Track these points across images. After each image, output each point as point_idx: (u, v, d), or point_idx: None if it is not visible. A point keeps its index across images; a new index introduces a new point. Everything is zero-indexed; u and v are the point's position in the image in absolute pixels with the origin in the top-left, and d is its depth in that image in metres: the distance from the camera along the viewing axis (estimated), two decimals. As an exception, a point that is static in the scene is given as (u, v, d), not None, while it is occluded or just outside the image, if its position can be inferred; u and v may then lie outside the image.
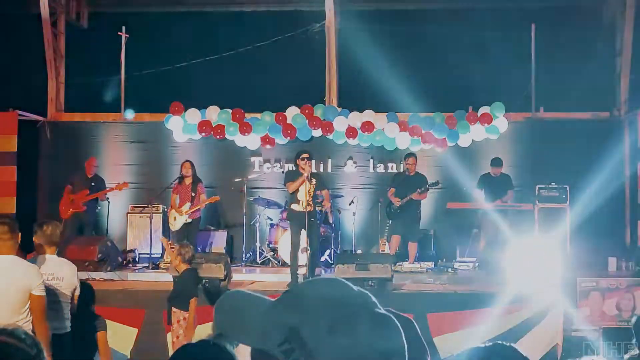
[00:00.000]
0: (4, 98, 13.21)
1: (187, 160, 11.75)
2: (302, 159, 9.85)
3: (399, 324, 1.33)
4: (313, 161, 11.73)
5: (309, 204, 9.71)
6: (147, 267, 11.49)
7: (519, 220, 12.35)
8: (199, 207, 11.51)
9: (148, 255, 11.77)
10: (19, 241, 5.19)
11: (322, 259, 11.69)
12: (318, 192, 10.00)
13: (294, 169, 10.14)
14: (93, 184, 11.98)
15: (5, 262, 5.00)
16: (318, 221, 10.59)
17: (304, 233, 9.78)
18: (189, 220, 11.44)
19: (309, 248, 9.82)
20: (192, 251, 7.73)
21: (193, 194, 11.49)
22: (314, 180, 9.87)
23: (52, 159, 13.70)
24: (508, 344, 1.62)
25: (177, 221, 11.45)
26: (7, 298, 4.89)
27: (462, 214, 12.57)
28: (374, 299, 1.32)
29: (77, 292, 5.73)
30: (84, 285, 6.44)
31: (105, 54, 14.28)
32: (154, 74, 13.92)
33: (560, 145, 12.98)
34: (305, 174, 9.72)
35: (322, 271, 11.07)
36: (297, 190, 9.81)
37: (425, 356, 1.92)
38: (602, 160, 12.84)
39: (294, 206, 9.82)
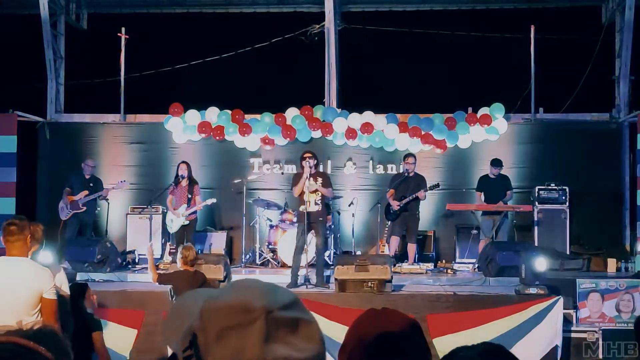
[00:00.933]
0: (4, 99, 13.23)
1: (183, 162, 11.74)
2: (304, 159, 9.90)
3: (319, 331, 1.28)
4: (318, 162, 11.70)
5: (316, 204, 9.81)
6: (147, 268, 11.47)
7: (519, 222, 12.39)
8: (194, 209, 11.52)
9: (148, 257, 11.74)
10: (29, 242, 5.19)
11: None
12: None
13: (300, 171, 10.17)
14: (91, 184, 11.98)
15: (16, 264, 5.00)
16: (331, 225, 10.66)
17: (309, 235, 9.85)
18: (186, 222, 11.46)
19: (307, 248, 9.86)
20: (194, 253, 7.66)
21: (189, 196, 11.49)
22: (319, 180, 9.90)
23: (51, 160, 13.70)
24: (496, 344, 1.60)
25: (175, 223, 11.46)
26: (17, 300, 4.89)
27: (461, 215, 12.59)
28: (298, 304, 1.27)
29: (65, 292, 5.71)
30: (80, 285, 6.44)
31: (105, 55, 14.30)
32: (154, 75, 13.93)
33: (560, 146, 13.01)
34: (306, 175, 9.77)
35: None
36: (303, 192, 9.84)
37: (429, 357, 1.92)
38: (601, 161, 12.87)
39: (302, 208, 9.84)
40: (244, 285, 1.31)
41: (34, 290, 4.93)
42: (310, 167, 9.84)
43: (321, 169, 12.22)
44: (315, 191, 9.85)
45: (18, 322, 4.56)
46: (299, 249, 9.77)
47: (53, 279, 5.08)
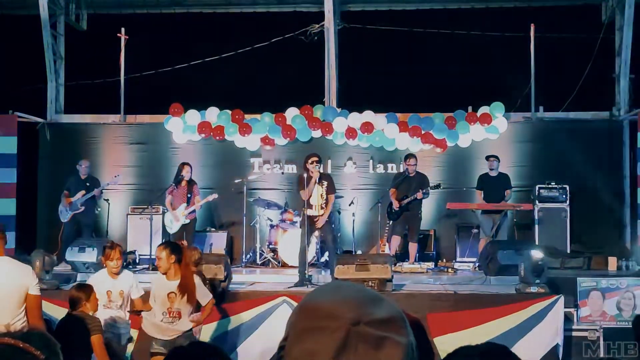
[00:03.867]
0: (4, 100, 13.23)
1: (187, 163, 11.74)
2: (311, 163, 9.85)
3: (405, 355, 1.25)
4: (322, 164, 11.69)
5: (322, 207, 9.87)
6: (147, 269, 11.46)
7: (519, 220, 12.39)
8: (194, 208, 11.52)
9: (148, 257, 11.74)
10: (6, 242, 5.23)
11: (322, 259, 11.69)
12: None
13: (304, 173, 10.07)
14: (88, 184, 11.98)
15: (1, 263, 5.01)
16: (332, 225, 10.67)
17: (298, 234, 9.86)
18: (187, 221, 11.46)
19: (308, 248, 9.90)
20: (199, 254, 7.66)
21: (189, 195, 11.50)
22: (325, 183, 9.94)
23: (52, 161, 13.69)
24: (500, 344, 1.60)
25: (174, 223, 11.46)
26: (5, 298, 4.90)
27: (462, 214, 12.59)
28: (395, 322, 1.25)
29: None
30: (83, 286, 6.45)
31: (105, 56, 14.29)
32: (154, 75, 13.93)
33: (560, 145, 12.99)
34: (315, 178, 9.78)
35: (322, 271, 11.07)
36: (310, 196, 9.85)
37: (432, 356, 1.92)
38: (602, 160, 12.86)
39: (308, 211, 9.81)
40: (346, 290, 1.30)
41: (20, 288, 4.93)
42: (319, 172, 9.90)
43: (321, 169, 12.21)
44: (322, 195, 9.91)
45: (5, 324, 4.57)
46: (303, 250, 9.77)
47: (36, 275, 5.11)
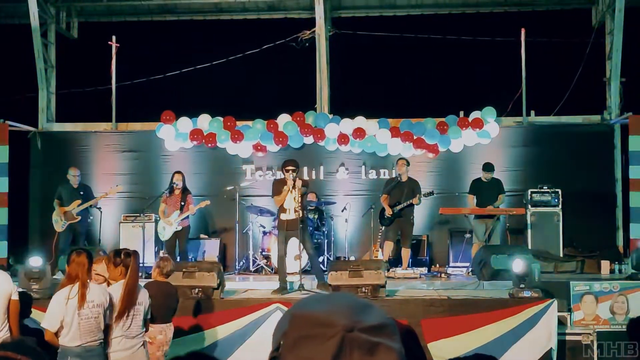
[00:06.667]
0: (-5, 108, 13.20)
1: (178, 172, 11.71)
2: (287, 171, 9.61)
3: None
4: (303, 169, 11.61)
5: (295, 211, 9.62)
6: (140, 277, 11.41)
7: (512, 225, 12.40)
8: (187, 214, 11.47)
9: (141, 265, 11.68)
10: None
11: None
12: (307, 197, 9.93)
13: (281, 178, 9.93)
14: (82, 192, 11.93)
15: None
16: (310, 228, 10.50)
17: (292, 242, 9.77)
18: (179, 228, 11.42)
19: (301, 254, 9.82)
20: (171, 265, 7.47)
21: (182, 204, 11.46)
22: (299, 185, 9.61)
23: (43, 170, 13.64)
24: (486, 355, 1.60)
25: (167, 230, 11.43)
26: None
27: (454, 219, 12.59)
28: (387, 328, 1.26)
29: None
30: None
31: (96, 64, 14.28)
32: (145, 83, 13.92)
33: (552, 149, 13.04)
34: (289, 186, 9.53)
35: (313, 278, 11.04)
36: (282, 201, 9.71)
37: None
38: (593, 163, 12.90)
39: (282, 215, 9.69)
40: (337, 299, 1.33)
41: (3, 293, 4.97)
42: (294, 180, 9.64)
43: (306, 175, 12.22)
44: (295, 199, 9.71)
45: None
46: (281, 257, 9.69)
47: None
